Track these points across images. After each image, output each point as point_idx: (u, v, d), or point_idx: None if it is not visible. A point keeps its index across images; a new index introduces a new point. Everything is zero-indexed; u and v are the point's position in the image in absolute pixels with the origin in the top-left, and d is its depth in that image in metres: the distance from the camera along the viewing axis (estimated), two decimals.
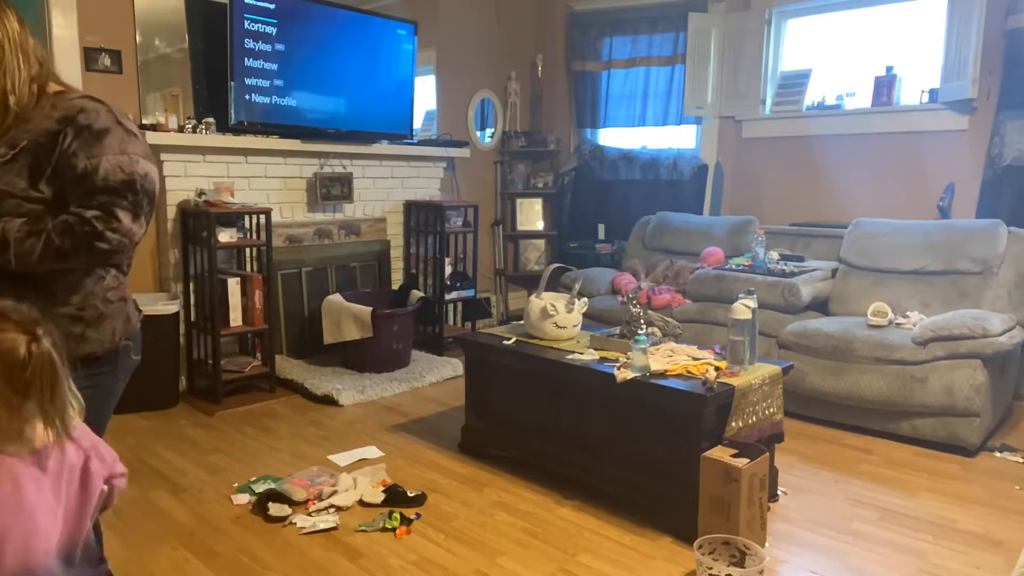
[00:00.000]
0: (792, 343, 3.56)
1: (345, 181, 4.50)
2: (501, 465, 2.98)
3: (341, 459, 3.04)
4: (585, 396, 2.71)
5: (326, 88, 4.28)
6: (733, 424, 2.41)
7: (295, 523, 2.46)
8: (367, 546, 2.34)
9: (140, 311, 1.63)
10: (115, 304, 1.53)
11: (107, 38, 3.65)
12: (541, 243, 5.98)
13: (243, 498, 2.65)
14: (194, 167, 3.86)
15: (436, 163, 5.15)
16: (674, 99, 5.30)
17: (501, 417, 3.03)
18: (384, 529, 2.44)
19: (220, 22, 3.82)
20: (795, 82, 4.83)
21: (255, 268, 4.03)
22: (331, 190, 4.43)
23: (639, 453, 2.54)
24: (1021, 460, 3.08)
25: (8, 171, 1.37)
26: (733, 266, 4.12)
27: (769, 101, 4.92)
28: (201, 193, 3.79)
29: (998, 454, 3.15)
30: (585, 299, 3.16)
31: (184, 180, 3.83)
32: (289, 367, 4.10)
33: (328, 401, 3.77)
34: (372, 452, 3.12)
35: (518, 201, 5.90)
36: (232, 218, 3.75)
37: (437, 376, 4.20)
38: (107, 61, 3.66)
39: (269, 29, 3.95)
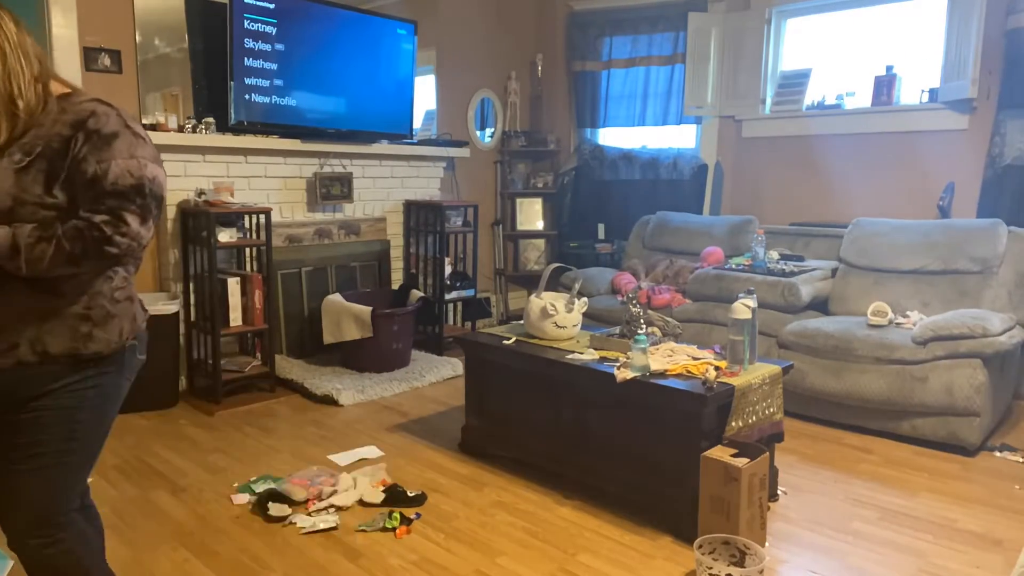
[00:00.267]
0: (792, 343, 3.56)
1: (345, 181, 4.50)
2: (501, 465, 2.98)
3: (341, 459, 3.04)
4: (585, 396, 2.71)
5: (326, 88, 4.28)
6: (733, 424, 2.41)
7: (295, 523, 2.46)
8: (367, 546, 2.34)
9: (146, 311, 1.64)
10: (122, 304, 1.53)
11: (107, 38, 3.65)
12: (541, 243, 5.98)
13: (243, 498, 2.65)
14: (194, 167, 3.86)
15: (436, 163, 5.15)
16: (674, 99, 5.30)
17: (501, 417, 3.03)
18: (384, 529, 2.44)
19: (220, 22, 3.82)
20: (795, 82, 4.83)
21: (255, 268, 4.03)
22: (331, 190, 4.43)
23: (639, 453, 2.54)
24: (1021, 460, 3.08)
25: (24, 177, 1.38)
26: (733, 266, 4.12)
27: (769, 101, 4.92)
28: (201, 193, 3.79)
29: (998, 454, 3.15)
30: (585, 299, 3.16)
31: (184, 180, 3.83)
32: (289, 367, 4.10)
33: (328, 401, 3.77)
34: (372, 452, 3.12)
35: (518, 201, 5.90)
36: (232, 218, 3.75)
37: (437, 376, 4.20)
38: (107, 61, 3.66)
39: (269, 29, 3.95)
